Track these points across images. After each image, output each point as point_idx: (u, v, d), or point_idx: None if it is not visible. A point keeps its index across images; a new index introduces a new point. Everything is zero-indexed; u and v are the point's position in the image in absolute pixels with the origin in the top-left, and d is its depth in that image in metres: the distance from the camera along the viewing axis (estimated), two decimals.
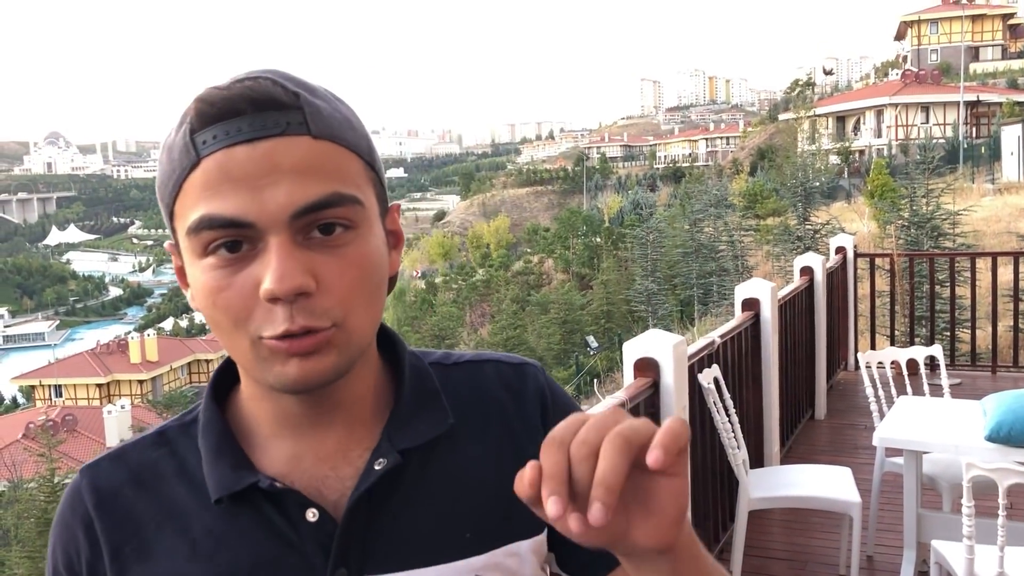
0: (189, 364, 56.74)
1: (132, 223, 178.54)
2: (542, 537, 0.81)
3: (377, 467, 0.76)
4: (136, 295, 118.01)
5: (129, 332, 67.28)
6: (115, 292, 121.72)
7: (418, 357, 0.85)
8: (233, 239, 0.69)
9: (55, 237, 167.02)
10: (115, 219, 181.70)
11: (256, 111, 0.69)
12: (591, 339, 28.22)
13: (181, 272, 0.77)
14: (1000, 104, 46.52)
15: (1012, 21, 67.58)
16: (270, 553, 0.75)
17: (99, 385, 50.43)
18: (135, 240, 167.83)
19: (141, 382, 51.30)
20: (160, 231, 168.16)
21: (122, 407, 38.75)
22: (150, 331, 67.10)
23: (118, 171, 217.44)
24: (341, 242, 0.71)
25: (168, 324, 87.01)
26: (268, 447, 0.79)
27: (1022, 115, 37.20)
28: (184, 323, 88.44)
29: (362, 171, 0.74)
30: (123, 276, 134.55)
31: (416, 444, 0.78)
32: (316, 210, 0.69)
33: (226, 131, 0.69)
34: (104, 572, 0.78)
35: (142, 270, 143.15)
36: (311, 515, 0.75)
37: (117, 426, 36.24)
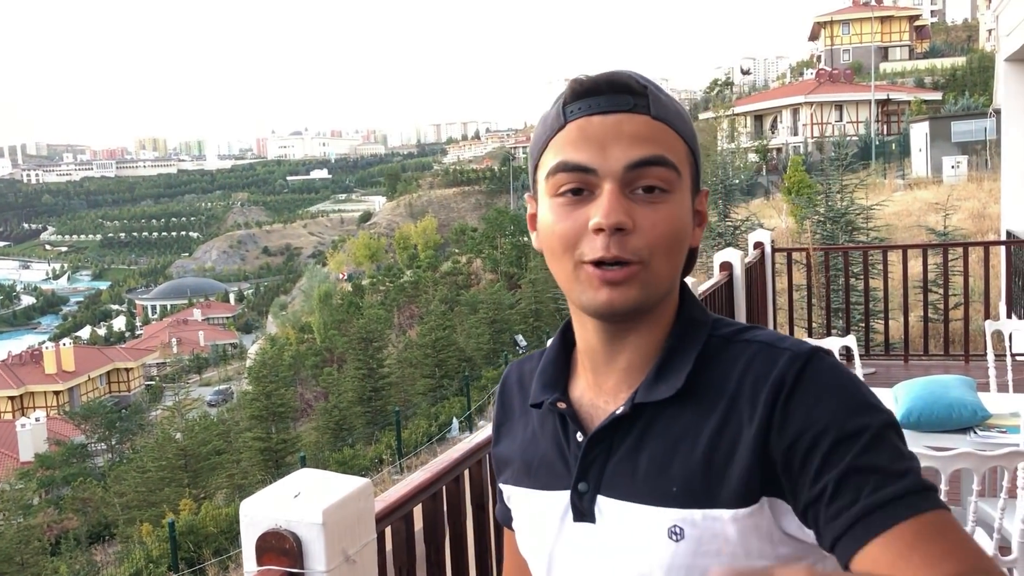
0: (108, 373, 55.02)
1: (45, 229, 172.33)
2: (752, 509, 0.87)
3: (616, 412, 0.94)
4: (50, 303, 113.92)
5: (43, 342, 64.85)
6: (28, 301, 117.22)
7: (702, 326, 0.97)
8: (577, 185, 0.90)
9: None
10: (26, 225, 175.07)
11: (613, 92, 0.91)
12: (520, 338, 28.33)
13: (532, 219, 1.00)
14: (909, 102, 48.34)
15: (918, 23, 70.23)
16: (551, 455, 1.00)
17: (11, 397, 48.49)
18: (48, 247, 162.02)
19: (57, 393, 49.57)
20: (74, 237, 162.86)
21: (37, 419, 37.40)
22: (66, 340, 64.85)
23: (28, 175, 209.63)
24: (658, 200, 0.90)
25: (85, 332, 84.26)
26: (580, 375, 1.02)
27: (929, 113, 38.70)
28: (102, 331, 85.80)
29: (684, 153, 0.94)
30: (36, 284, 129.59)
31: (647, 401, 0.92)
32: (645, 165, 0.89)
33: (589, 104, 0.91)
34: (494, 432, 1.13)
35: (56, 277, 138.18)
36: (579, 436, 0.96)
37: (32, 439, 34.94)
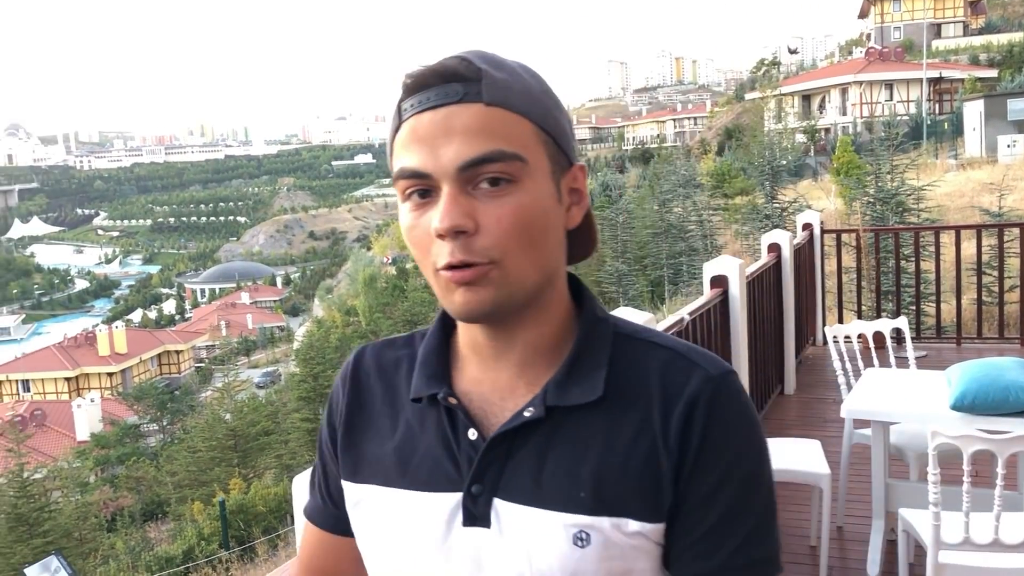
0: (159, 355, 56.18)
1: (97, 214, 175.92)
2: (657, 527, 0.86)
3: (526, 414, 0.87)
4: (103, 287, 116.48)
5: (97, 324, 66.39)
6: (81, 284, 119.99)
7: (605, 323, 0.93)
8: (422, 188, 0.84)
9: (18, 230, 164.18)
10: (79, 211, 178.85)
11: (441, 83, 0.84)
12: None
13: None
14: (962, 80, 47.10)
15: None
16: (436, 453, 0.91)
17: (67, 379, 49.81)
18: (100, 231, 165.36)
19: (110, 375, 50.74)
20: (126, 222, 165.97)
21: (91, 400, 38.33)
22: (118, 323, 66.35)
23: (81, 162, 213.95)
24: (503, 193, 0.83)
25: (137, 316, 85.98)
26: (465, 367, 0.94)
27: (984, 91, 37.69)
28: (153, 314, 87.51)
29: (531, 133, 0.85)
30: (89, 268, 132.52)
31: (562, 405, 0.87)
32: (480, 164, 0.82)
33: (419, 100, 0.84)
34: (343, 425, 1.00)
35: (108, 262, 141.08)
36: (471, 434, 0.89)
37: (87, 419, 35.86)
